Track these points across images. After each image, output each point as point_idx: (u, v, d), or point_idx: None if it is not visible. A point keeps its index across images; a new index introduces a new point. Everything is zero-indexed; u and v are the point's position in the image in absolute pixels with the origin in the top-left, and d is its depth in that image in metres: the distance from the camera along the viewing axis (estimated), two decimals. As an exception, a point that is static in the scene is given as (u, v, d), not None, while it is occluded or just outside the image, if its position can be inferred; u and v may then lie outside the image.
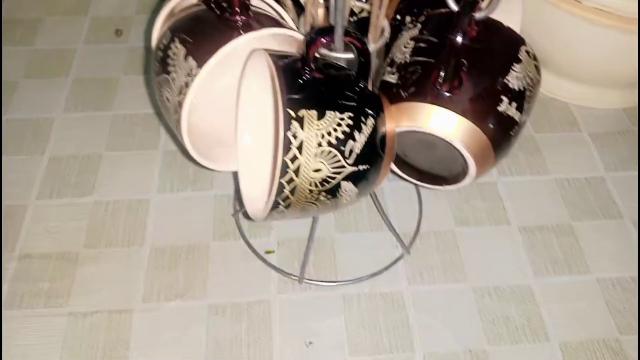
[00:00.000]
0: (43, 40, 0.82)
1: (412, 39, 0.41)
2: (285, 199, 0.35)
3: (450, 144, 0.38)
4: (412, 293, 0.58)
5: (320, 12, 0.46)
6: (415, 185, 0.65)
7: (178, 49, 0.38)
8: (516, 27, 0.50)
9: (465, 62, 0.37)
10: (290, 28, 0.41)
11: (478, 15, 0.36)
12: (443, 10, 0.41)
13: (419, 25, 0.42)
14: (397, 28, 0.48)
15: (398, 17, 0.49)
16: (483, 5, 0.37)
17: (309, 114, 0.34)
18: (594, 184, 0.68)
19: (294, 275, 0.58)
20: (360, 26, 0.50)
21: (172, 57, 0.38)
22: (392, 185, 0.66)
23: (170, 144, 0.69)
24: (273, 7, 0.43)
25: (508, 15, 0.49)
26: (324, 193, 0.36)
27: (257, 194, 0.39)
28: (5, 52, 0.79)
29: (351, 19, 0.48)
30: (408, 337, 0.54)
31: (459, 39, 0.36)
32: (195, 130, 0.40)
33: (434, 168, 0.44)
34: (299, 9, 0.49)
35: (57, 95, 0.74)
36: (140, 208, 0.63)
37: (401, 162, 0.44)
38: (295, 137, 0.33)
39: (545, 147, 0.71)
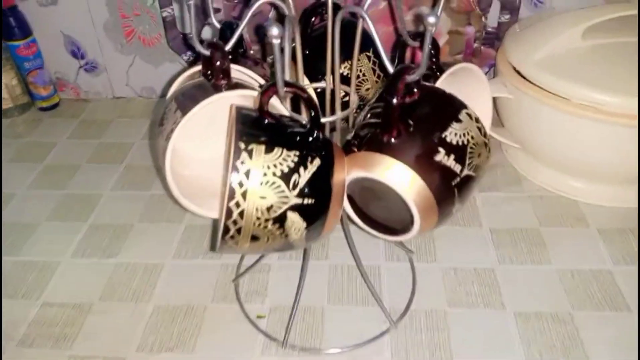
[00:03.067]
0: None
1: (369, 106, 0.48)
2: (234, 223, 0.41)
3: (395, 191, 0.43)
4: (394, 366, 0.57)
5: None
6: (411, 264, 0.68)
7: (172, 106, 0.47)
8: (487, 117, 0.56)
9: (404, 116, 0.43)
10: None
11: (410, 77, 0.42)
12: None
13: (377, 95, 0.49)
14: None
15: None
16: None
17: (258, 147, 0.40)
18: (600, 277, 0.66)
19: (278, 340, 0.59)
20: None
21: (166, 113, 0.48)
22: (388, 265, 0.68)
23: (193, 219, 0.77)
24: (254, 78, 0.52)
25: (478, 109, 0.56)
26: (271, 222, 0.41)
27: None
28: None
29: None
30: (383, 409, 0.53)
31: (394, 96, 0.42)
32: (182, 178, 0.47)
33: (387, 219, 0.47)
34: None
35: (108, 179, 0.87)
36: (154, 271, 0.69)
37: (359, 213, 0.49)
38: (243, 163, 0.40)
39: (549, 239, 0.71)
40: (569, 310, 0.62)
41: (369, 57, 0.59)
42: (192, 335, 0.61)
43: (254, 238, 0.42)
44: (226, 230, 0.41)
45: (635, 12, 0.72)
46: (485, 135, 0.46)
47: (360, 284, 0.66)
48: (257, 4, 0.46)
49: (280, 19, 0.46)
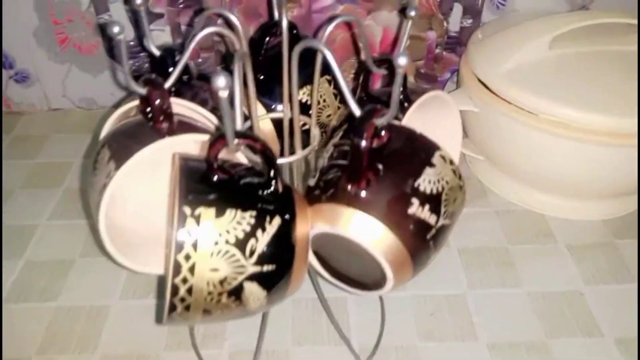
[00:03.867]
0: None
1: (333, 145, 0.43)
2: (182, 300, 0.35)
3: (364, 249, 0.38)
4: (366, 414, 0.53)
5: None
6: (380, 297, 0.64)
7: (104, 154, 0.41)
8: (457, 145, 0.53)
9: (374, 165, 0.38)
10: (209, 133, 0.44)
11: (378, 120, 0.38)
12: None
13: (341, 134, 0.44)
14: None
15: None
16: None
17: (207, 212, 0.35)
18: (571, 299, 0.64)
19: (241, 390, 0.55)
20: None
21: (98, 162, 0.41)
22: (355, 298, 0.64)
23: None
24: (202, 114, 0.46)
25: (448, 133, 0.52)
26: (226, 295, 0.36)
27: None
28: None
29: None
30: None
31: (363, 142, 0.37)
32: (118, 228, 0.41)
33: (358, 274, 0.43)
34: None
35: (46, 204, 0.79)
36: (99, 314, 0.63)
37: (327, 266, 0.44)
38: (189, 234, 0.34)
39: (518, 259, 0.69)
40: (543, 338, 0.60)
41: (329, 81, 0.54)
42: (144, 391, 0.55)
43: (207, 312, 0.37)
44: (172, 307, 0.35)
45: (603, 20, 0.70)
46: (460, 177, 0.42)
47: (326, 319, 0.62)
48: (201, 35, 0.40)
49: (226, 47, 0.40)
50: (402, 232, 0.38)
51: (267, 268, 0.37)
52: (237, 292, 0.36)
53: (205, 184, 0.36)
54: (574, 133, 0.64)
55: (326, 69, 0.51)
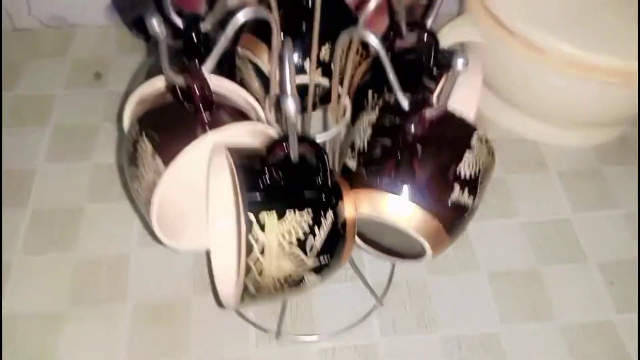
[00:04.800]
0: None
1: (370, 124, 0.43)
2: (250, 295, 0.37)
3: (409, 234, 0.40)
4: (385, 344, 0.60)
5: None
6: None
7: (146, 145, 0.40)
8: (473, 105, 0.53)
9: (418, 154, 0.39)
10: (255, 118, 0.43)
11: (428, 113, 0.38)
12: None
13: (377, 112, 0.44)
14: (359, 101, 0.50)
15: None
16: (434, 101, 0.39)
17: (270, 216, 0.36)
18: (561, 227, 0.70)
19: (272, 330, 0.60)
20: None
21: (140, 153, 0.40)
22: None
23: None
24: (238, 92, 0.44)
25: (466, 91, 0.52)
26: (288, 286, 0.39)
27: (230, 280, 0.41)
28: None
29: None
30: (380, 390, 0.57)
31: (410, 134, 0.38)
32: (163, 214, 0.42)
33: (395, 246, 0.46)
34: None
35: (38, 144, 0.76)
36: (121, 263, 0.65)
37: (364, 239, 0.47)
38: (256, 240, 0.35)
39: (514, 189, 0.74)
40: (536, 266, 0.66)
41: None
42: (182, 336, 0.60)
43: (270, 298, 0.39)
44: (242, 299, 0.38)
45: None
46: (493, 154, 0.44)
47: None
48: (240, 19, 0.37)
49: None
50: (444, 217, 0.41)
51: (324, 259, 0.39)
52: (298, 283, 0.39)
53: (265, 187, 0.36)
54: (580, 71, 0.65)
55: (346, 25, 0.50)
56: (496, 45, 0.70)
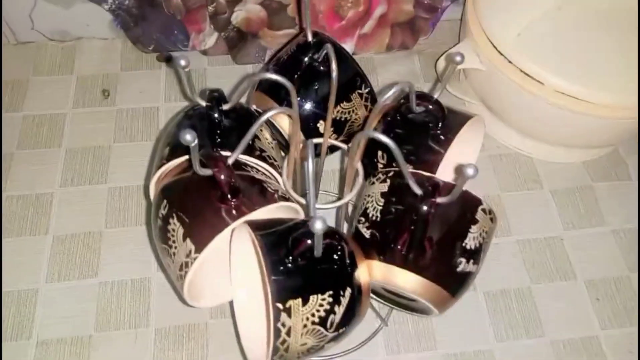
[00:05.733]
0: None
1: (382, 195, 0.47)
2: (277, 368, 0.42)
3: (418, 300, 0.45)
4: (390, 363, 0.66)
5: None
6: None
7: (177, 226, 0.43)
8: (478, 145, 0.56)
9: (428, 232, 0.43)
10: (273, 188, 0.46)
11: (440, 200, 0.41)
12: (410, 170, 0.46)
13: (389, 181, 0.47)
14: (368, 156, 0.53)
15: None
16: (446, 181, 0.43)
17: (295, 303, 0.40)
18: (553, 244, 0.75)
19: (285, 352, 0.65)
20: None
21: (171, 233, 0.44)
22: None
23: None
24: (258, 164, 0.48)
25: (467, 148, 0.55)
26: (309, 353, 0.43)
27: (257, 345, 0.45)
28: None
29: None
30: (386, 408, 0.63)
31: (421, 216, 0.42)
32: (190, 284, 0.46)
33: (406, 302, 0.50)
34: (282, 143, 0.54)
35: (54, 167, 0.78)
36: (143, 288, 0.69)
37: (376, 293, 0.51)
38: (283, 325, 0.40)
39: (509, 206, 0.78)
40: (529, 284, 0.72)
41: (360, 95, 0.54)
42: (201, 357, 0.65)
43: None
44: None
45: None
46: (494, 220, 0.48)
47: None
48: (265, 117, 0.40)
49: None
50: (451, 286, 0.45)
51: (342, 330, 0.43)
52: (319, 350, 0.43)
53: (290, 274, 0.40)
54: (578, 106, 0.67)
55: (356, 83, 0.52)
56: (495, 73, 0.72)
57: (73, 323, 0.67)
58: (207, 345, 0.66)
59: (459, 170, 0.39)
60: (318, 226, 0.34)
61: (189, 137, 0.36)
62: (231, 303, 0.52)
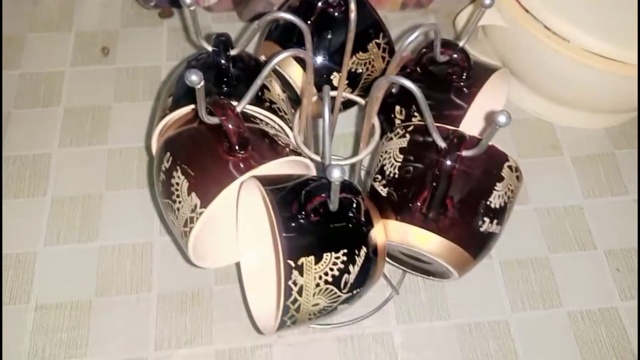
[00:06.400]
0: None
1: (401, 151, 0.44)
2: (287, 327, 0.39)
3: (438, 262, 0.42)
4: (401, 332, 0.63)
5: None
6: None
7: (181, 180, 0.40)
8: (502, 102, 0.53)
9: (449, 191, 0.40)
10: (284, 142, 0.43)
11: (465, 153, 0.38)
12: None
13: (408, 136, 0.44)
14: (385, 113, 0.50)
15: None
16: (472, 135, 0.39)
17: (308, 261, 0.37)
18: (572, 213, 0.72)
19: (293, 319, 0.63)
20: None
21: (175, 187, 0.40)
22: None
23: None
24: (267, 117, 0.44)
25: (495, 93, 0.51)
26: (321, 315, 0.40)
27: (265, 307, 0.43)
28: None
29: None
30: (397, 376, 0.61)
31: (445, 171, 0.38)
32: (196, 241, 0.43)
33: (422, 265, 0.47)
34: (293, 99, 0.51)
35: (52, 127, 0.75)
36: (145, 252, 0.67)
37: (392, 257, 0.48)
38: (295, 284, 0.37)
39: (528, 173, 0.74)
40: (546, 254, 0.69)
41: (378, 45, 0.51)
42: (206, 323, 0.63)
43: (304, 325, 0.42)
44: (278, 329, 0.40)
45: None
46: (520, 178, 0.45)
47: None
48: (277, 59, 0.37)
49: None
50: (472, 247, 0.42)
51: (356, 291, 0.41)
52: (331, 312, 0.41)
53: (302, 231, 0.37)
54: (603, 64, 0.64)
55: (376, 32, 0.49)
56: (518, 30, 0.68)
57: (73, 287, 0.64)
58: (212, 312, 0.63)
59: (489, 117, 0.35)
60: (335, 174, 0.30)
61: (194, 78, 0.33)
62: (238, 265, 0.49)
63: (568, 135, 0.78)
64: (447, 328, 0.64)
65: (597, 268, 0.68)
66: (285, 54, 0.36)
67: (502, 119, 0.33)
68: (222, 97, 0.42)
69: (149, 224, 0.68)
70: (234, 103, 0.40)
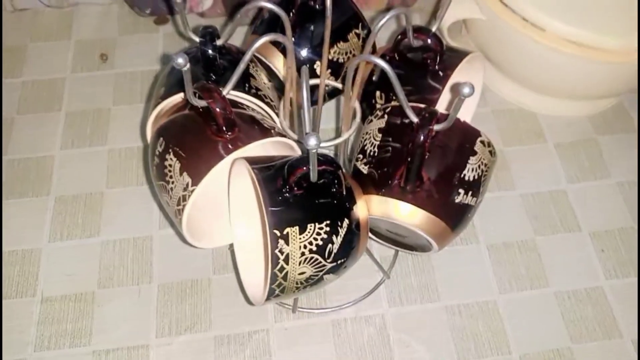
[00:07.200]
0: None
1: (379, 131, 0.46)
2: (276, 296, 0.42)
3: (417, 233, 0.45)
4: (392, 315, 0.65)
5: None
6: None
7: (173, 162, 0.43)
8: (473, 105, 0.56)
9: (425, 162, 0.43)
10: (270, 125, 0.46)
11: (437, 127, 0.41)
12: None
13: (386, 117, 0.47)
14: (366, 99, 0.53)
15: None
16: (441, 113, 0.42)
17: (293, 230, 0.40)
18: (557, 197, 0.74)
19: (288, 305, 0.65)
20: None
21: (168, 169, 0.43)
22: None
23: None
24: (253, 102, 0.47)
25: (471, 76, 0.54)
26: (308, 284, 0.43)
27: (256, 280, 0.45)
28: None
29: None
30: (389, 356, 0.62)
31: (418, 145, 0.41)
32: (190, 220, 0.45)
33: (404, 239, 0.50)
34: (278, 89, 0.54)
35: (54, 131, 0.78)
36: (145, 245, 0.69)
37: (375, 233, 0.51)
38: (281, 252, 0.39)
39: (513, 161, 0.77)
40: (533, 236, 0.71)
41: (358, 35, 0.54)
42: (205, 311, 0.65)
43: (292, 295, 0.44)
44: (267, 299, 0.42)
45: None
46: (494, 154, 0.47)
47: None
48: (259, 42, 0.40)
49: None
50: (449, 218, 0.45)
51: (341, 261, 0.43)
52: (317, 282, 0.43)
53: (287, 204, 0.40)
54: (579, 51, 0.66)
55: (355, 22, 0.52)
56: (496, 22, 0.71)
57: (76, 280, 0.67)
58: (210, 299, 0.66)
59: (455, 89, 0.38)
60: (312, 142, 0.33)
61: (181, 61, 0.36)
62: (233, 253, 0.52)
63: (551, 123, 0.80)
64: (437, 310, 0.66)
65: (582, 249, 0.70)
66: (265, 38, 0.39)
67: (466, 90, 0.35)
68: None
69: (149, 218, 0.71)
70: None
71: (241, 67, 0.40)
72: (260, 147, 0.44)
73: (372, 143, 0.46)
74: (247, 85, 0.47)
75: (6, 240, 0.69)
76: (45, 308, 0.65)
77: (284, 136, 0.45)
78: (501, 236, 0.71)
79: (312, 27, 0.52)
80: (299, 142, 0.45)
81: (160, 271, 0.67)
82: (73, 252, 0.69)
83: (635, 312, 0.65)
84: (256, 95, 0.47)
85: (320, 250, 0.41)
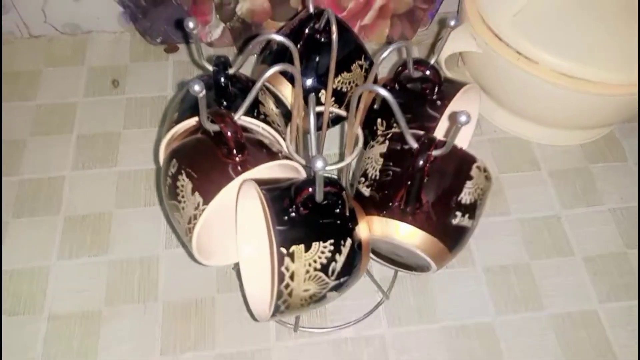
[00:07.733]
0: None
1: (381, 155, 0.49)
2: (281, 312, 0.44)
3: (416, 253, 0.47)
4: (392, 335, 0.67)
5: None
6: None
7: (185, 182, 0.45)
8: (469, 133, 0.59)
9: (424, 186, 0.45)
10: (277, 149, 0.49)
11: (435, 152, 0.44)
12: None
13: (387, 142, 0.49)
14: (368, 125, 0.55)
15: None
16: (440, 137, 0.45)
17: (298, 249, 0.42)
18: (551, 223, 0.77)
19: (290, 324, 0.67)
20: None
21: (180, 189, 0.46)
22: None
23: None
24: (262, 127, 0.50)
25: (467, 106, 0.57)
26: (312, 301, 0.45)
27: (261, 297, 0.47)
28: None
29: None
30: (388, 376, 0.64)
31: (418, 169, 0.44)
32: (199, 239, 0.48)
33: (403, 260, 0.52)
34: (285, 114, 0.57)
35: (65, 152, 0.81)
36: (152, 265, 0.71)
37: (376, 253, 0.53)
38: (287, 269, 0.42)
39: (508, 187, 0.80)
40: (527, 260, 0.73)
41: (361, 66, 0.57)
42: (209, 329, 0.67)
43: (296, 312, 0.46)
44: (273, 315, 0.44)
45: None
46: (489, 179, 0.50)
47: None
48: (268, 74, 0.43)
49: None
50: (447, 239, 0.47)
51: (343, 279, 0.45)
52: (320, 299, 0.45)
53: (294, 223, 0.42)
54: (572, 84, 0.70)
55: (357, 54, 0.55)
56: (491, 55, 0.74)
57: (83, 298, 0.69)
58: (214, 318, 0.67)
59: (452, 117, 0.41)
60: (319, 164, 0.36)
61: (197, 87, 0.38)
62: (238, 272, 0.54)
63: (545, 152, 0.83)
64: (435, 330, 0.67)
65: (576, 273, 0.72)
66: (276, 68, 0.42)
67: (462, 118, 0.38)
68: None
69: (155, 238, 0.73)
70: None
71: (253, 93, 0.43)
72: (268, 170, 0.46)
73: (374, 167, 0.49)
74: (256, 111, 0.50)
75: (15, 258, 0.71)
76: (53, 325, 0.66)
77: (291, 159, 0.48)
78: (497, 259, 0.73)
79: (317, 58, 0.55)
80: (306, 166, 0.48)
81: (165, 290, 0.69)
82: (81, 270, 0.71)
83: (627, 334, 0.67)
84: (265, 121, 0.50)
85: (324, 268, 0.43)
